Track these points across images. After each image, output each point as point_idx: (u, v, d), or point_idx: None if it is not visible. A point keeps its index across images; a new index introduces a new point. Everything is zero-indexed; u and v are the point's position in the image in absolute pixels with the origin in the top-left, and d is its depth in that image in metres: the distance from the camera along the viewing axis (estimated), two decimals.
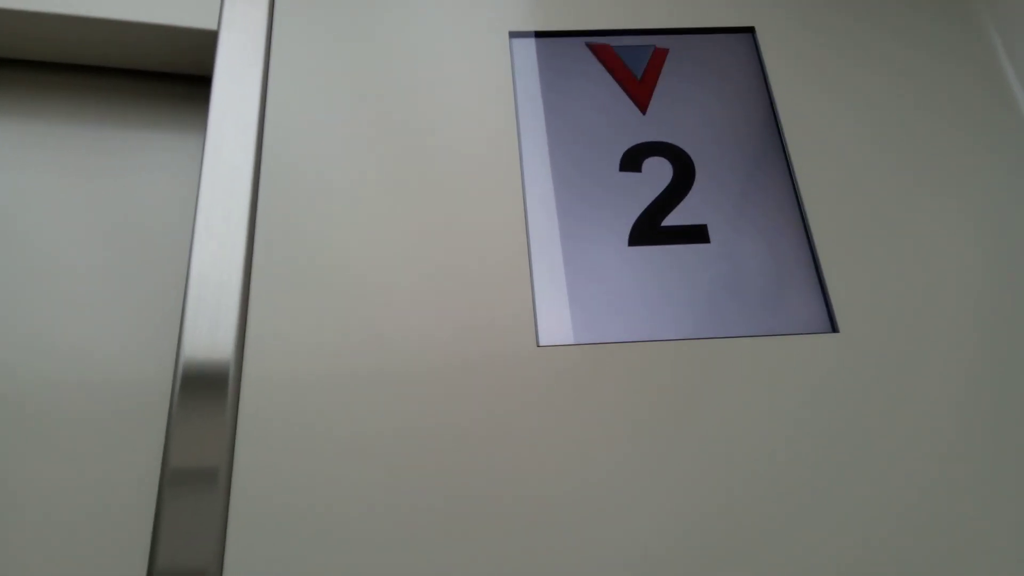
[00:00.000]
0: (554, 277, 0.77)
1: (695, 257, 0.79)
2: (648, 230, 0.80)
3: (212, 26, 0.87)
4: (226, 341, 0.70)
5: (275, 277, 0.74)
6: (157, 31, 0.89)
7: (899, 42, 0.92)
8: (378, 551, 0.64)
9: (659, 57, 0.91)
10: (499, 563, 0.64)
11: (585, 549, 0.65)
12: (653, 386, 0.72)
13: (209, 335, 0.70)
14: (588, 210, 0.81)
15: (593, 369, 0.72)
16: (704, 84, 0.89)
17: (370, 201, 0.79)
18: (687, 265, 0.79)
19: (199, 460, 0.65)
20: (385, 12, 0.90)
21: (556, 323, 0.75)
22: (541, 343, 0.73)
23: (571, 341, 0.74)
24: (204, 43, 0.88)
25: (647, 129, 0.86)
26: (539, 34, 0.90)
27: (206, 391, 0.68)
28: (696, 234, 0.80)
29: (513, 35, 0.90)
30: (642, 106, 0.87)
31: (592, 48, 0.90)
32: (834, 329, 0.76)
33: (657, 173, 0.83)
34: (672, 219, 0.81)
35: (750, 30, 0.93)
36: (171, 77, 0.97)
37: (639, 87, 0.88)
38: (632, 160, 0.84)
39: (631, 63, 0.90)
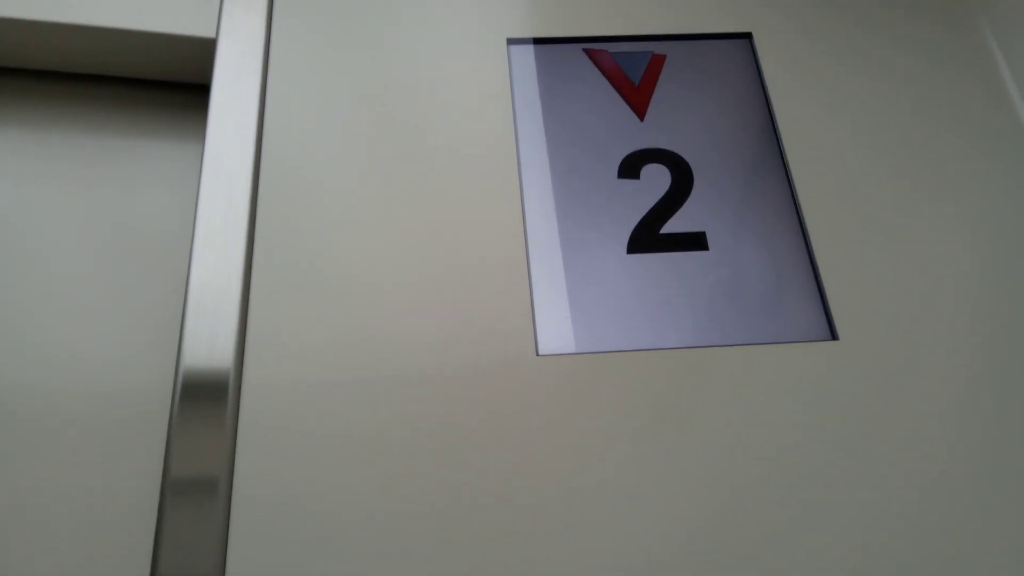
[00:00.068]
0: (553, 285, 0.77)
1: (694, 264, 0.79)
2: (647, 237, 0.80)
3: (210, 34, 0.87)
4: (226, 349, 0.70)
5: (274, 285, 0.74)
6: (156, 40, 0.89)
7: (897, 48, 0.93)
8: (378, 558, 0.64)
9: (656, 63, 0.91)
10: (499, 571, 0.64)
11: (585, 558, 0.65)
12: (652, 394, 0.72)
13: (209, 343, 0.70)
14: (587, 217, 0.81)
15: (593, 378, 0.72)
16: (702, 90, 0.90)
17: (369, 209, 0.79)
18: (686, 272, 0.79)
19: (200, 468, 0.65)
20: (383, 20, 0.90)
21: (556, 332, 0.75)
22: (541, 352, 0.73)
23: (571, 350, 0.74)
24: (203, 51, 0.88)
25: (645, 136, 0.86)
26: (537, 41, 0.90)
27: (206, 399, 0.68)
28: (695, 241, 0.81)
29: (511, 42, 0.90)
30: (640, 113, 0.87)
31: (590, 54, 0.90)
32: (833, 336, 0.76)
33: (655, 180, 0.84)
34: (671, 226, 0.81)
35: (747, 36, 0.93)
36: (170, 85, 0.97)
37: (637, 93, 0.89)
38: (630, 167, 0.84)
39: (628, 70, 0.90)
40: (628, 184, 0.83)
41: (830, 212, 0.82)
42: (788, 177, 0.84)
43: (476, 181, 0.81)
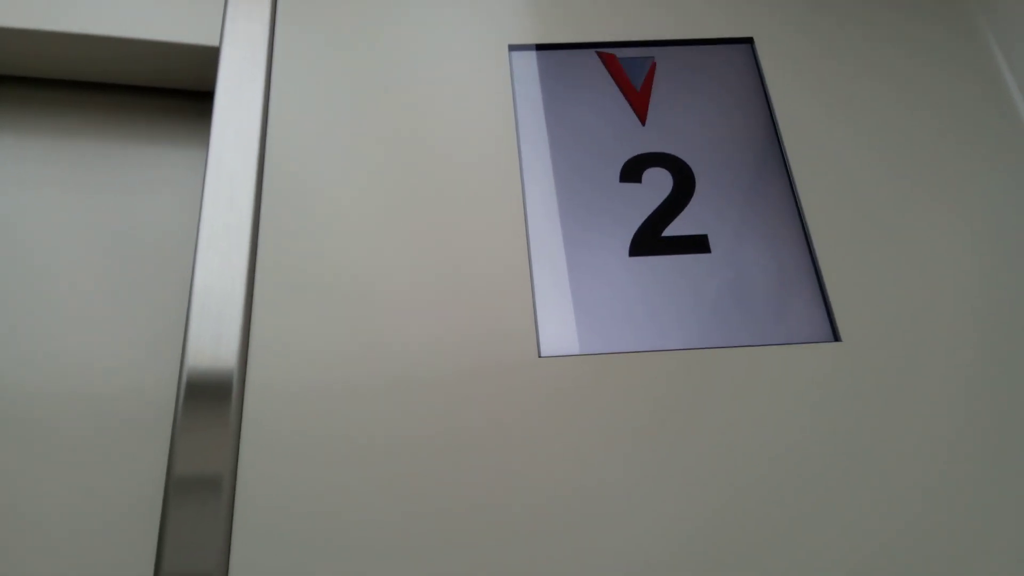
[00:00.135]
0: (556, 288, 0.77)
1: (696, 267, 0.80)
2: (649, 240, 0.81)
3: (214, 42, 0.88)
4: (230, 351, 0.70)
5: (277, 288, 0.74)
6: (159, 48, 0.90)
7: (898, 51, 0.93)
8: (381, 557, 0.64)
9: (658, 68, 0.91)
10: (502, 572, 0.64)
11: (589, 559, 0.65)
12: (654, 396, 0.72)
13: (213, 345, 0.70)
14: (589, 220, 0.81)
15: (595, 379, 0.72)
16: (703, 94, 0.90)
17: (371, 212, 0.79)
18: (688, 275, 0.79)
19: (203, 468, 0.65)
20: (385, 27, 0.90)
21: (558, 334, 0.75)
22: (543, 354, 0.73)
23: (573, 352, 0.74)
24: (206, 59, 0.89)
25: (647, 140, 0.86)
26: (540, 47, 0.91)
27: (210, 400, 0.68)
28: (697, 244, 0.81)
29: (513, 48, 0.90)
30: (642, 117, 0.88)
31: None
32: (836, 338, 0.76)
33: (657, 183, 0.84)
34: (673, 229, 0.81)
35: (749, 40, 0.93)
36: (174, 93, 0.98)
37: (638, 98, 0.89)
38: (632, 171, 0.84)
39: (630, 74, 0.90)
40: (630, 188, 0.84)
41: (832, 214, 0.82)
42: (790, 180, 0.85)
43: (479, 184, 0.81)
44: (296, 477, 0.66)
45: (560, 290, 0.77)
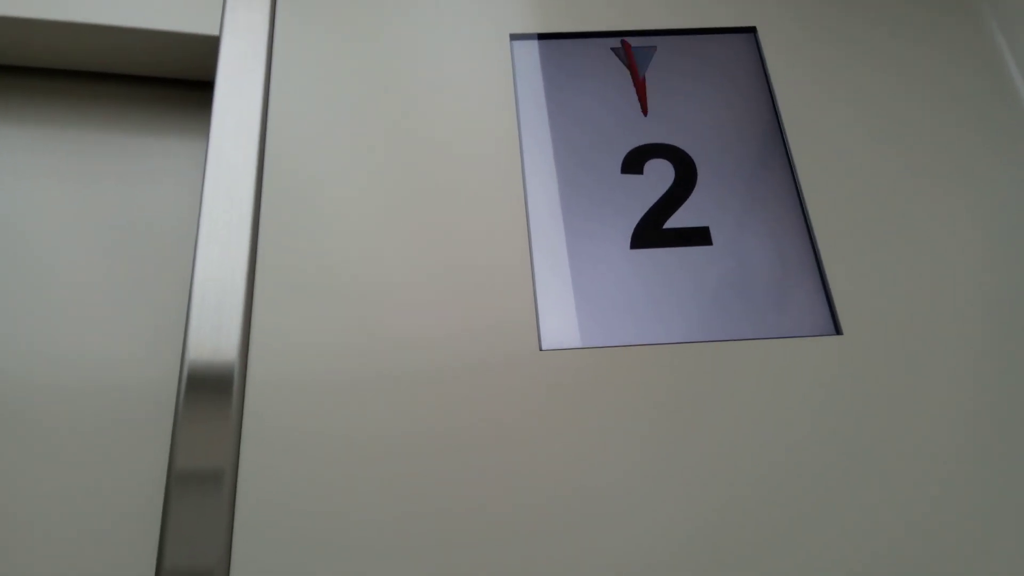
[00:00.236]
0: (557, 281, 0.77)
1: (698, 259, 0.79)
2: (650, 232, 0.80)
3: (214, 32, 0.88)
4: (230, 344, 0.70)
5: (278, 280, 0.74)
6: (159, 37, 0.90)
7: (902, 40, 0.92)
8: (381, 551, 0.64)
9: (660, 58, 0.91)
10: (502, 568, 0.64)
11: (590, 555, 0.65)
12: (655, 390, 0.72)
13: (213, 338, 0.70)
14: (590, 212, 0.81)
15: (596, 373, 0.72)
16: (705, 85, 0.90)
17: (372, 204, 0.79)
18: (690, 267, 0.79)
19: (205, 462, 0.65)
20: (386, 18, 0.90)
21: (559, 327, 0.75)
22: (544, 347, 0.73)
23: (574, 345, 0.74)
24: (206, 49, 0.89)
25: (648, 130, 0.86)
26: (541, 36, 0.91)
27: (211, 393, 0.68)
28: (698, 236, 0.80)
29: (514, 37, 0.90)
30: (643, 107, 0.87)
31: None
32: (838, 331, 0.76)
33: (659, 175, 0.84)
34: (674, 221, 0.81)
35: (751, 30, 0.93)
36: (173, 82, 0.98)
37: (640, 88, 0.88)
38: (634, 162, 0.84)
39: (633, 64, 0.90)
40: (632, 179, 0.83)
41: (835, 206, 0.82)
42: (792, 171, 0.84)
43: (480, 176, 0.81)
44: (298, 470, 0.66)
45: (561, 283, 0.77)
